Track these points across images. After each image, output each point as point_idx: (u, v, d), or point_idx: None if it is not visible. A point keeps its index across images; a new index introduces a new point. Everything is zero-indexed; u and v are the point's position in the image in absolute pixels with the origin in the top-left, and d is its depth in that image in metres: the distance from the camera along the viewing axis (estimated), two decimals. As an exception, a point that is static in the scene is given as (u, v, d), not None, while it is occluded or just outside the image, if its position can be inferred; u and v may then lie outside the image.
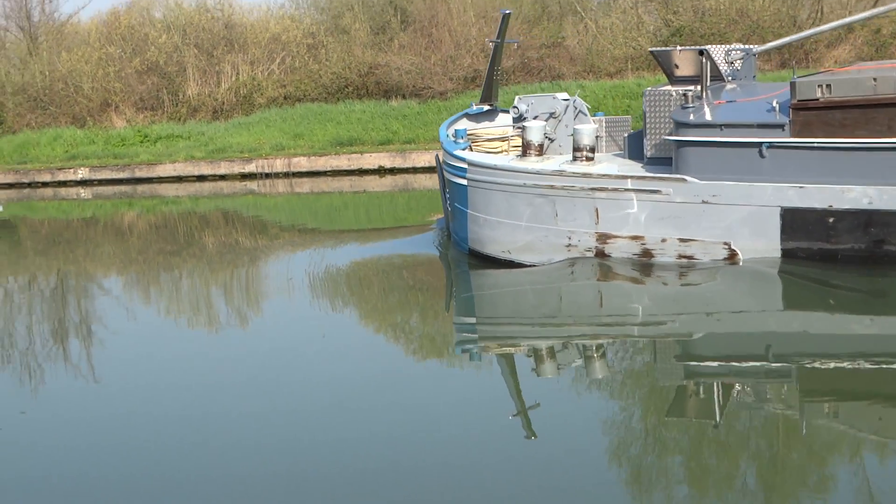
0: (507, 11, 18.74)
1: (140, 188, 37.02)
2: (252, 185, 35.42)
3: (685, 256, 13.99)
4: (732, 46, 15.54)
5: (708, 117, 13.84)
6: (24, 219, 31.76)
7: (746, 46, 15.60)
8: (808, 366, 9.78)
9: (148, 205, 32.70)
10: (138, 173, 38.54)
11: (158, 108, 46.08)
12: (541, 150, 15.63)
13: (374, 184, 33.29)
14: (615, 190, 14.26)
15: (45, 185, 39.79)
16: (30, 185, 40.17)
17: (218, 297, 15.84)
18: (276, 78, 45.09)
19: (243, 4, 51.90)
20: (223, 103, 45.06)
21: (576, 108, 16.48)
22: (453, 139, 17.55)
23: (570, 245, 14.81)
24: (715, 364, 10.29)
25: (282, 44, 46.38)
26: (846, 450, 7.47)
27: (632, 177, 14.24)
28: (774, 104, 13.40)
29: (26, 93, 48.05)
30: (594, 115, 17.60)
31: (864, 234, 12.78)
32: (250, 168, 37.03)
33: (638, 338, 11.65)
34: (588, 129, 14.97)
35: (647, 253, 14.22)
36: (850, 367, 9.60)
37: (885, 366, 9.50)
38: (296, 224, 25.51)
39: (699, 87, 14.64)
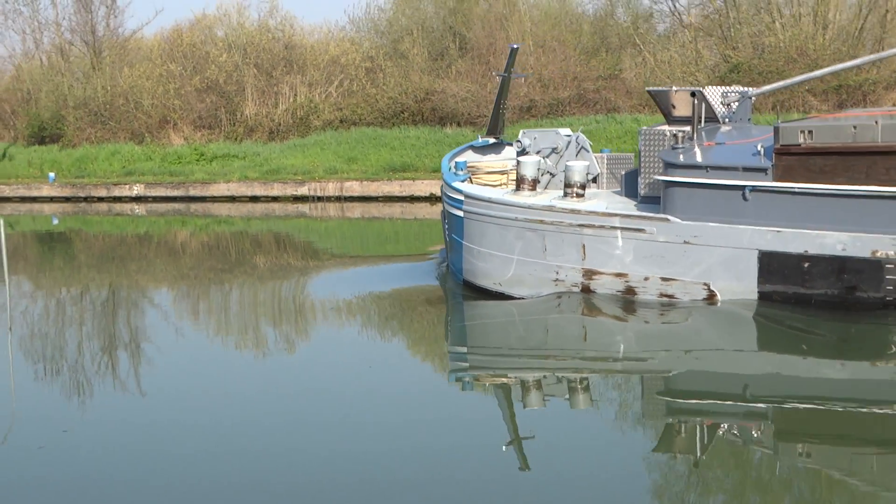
0: (516, 46, 18.86)
1: (193, 206, 37.31)
2: (304, 207, 35.57)
3: (666, 295, 14.15)
4: (729, 89, 15.67)
5: (695, 159, 14.02)
6: (79, 232, 32.09)
7: (743, 89, 15.74)
8: (782, 407, 10.01)
9: (201, 224, 32.91)
10: (192, 192, 38.88)
11: (216, 126, 46.44)
12: (534, 185, 15.80)
13: (424, 211, 33.26)
14: (602, 227, 14.45)
15: (100, 199, 40.25)
16: (86, 199, 40.64)
17: (263, 319, 15.87)
18: (332, 100, 45.33)
19: (304, 26, 52.21)
20: (280, 124, 45.35)
21: (578, 144, 16.72)
22: (454, 171, 17.75)
23: (557, 279, 15.03)
24: (695, 402, 10.50)
25: (340, 66, 46.62)
26: (819, 490, 7.75)
27: (618, 215, 14.40)
28: (760, 148, 13.54)
29: (87, 107, 48.65)
30: (601, 152, 17.83)
31: (837, 279, 12.94)
32: (303, 191, 37.22)
33: (620, 373, 11.82)
34: (579, 166, 15.11)
35: (630, 290, 14.40)
36: (821, 409, 9.90)
37: (854, 409, 9.74)
38: (343, 250, 25.55)
39: (687, 128, 14.84)
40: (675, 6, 45.29)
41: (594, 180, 16.81)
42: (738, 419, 9.63)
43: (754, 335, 13.08)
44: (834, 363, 11.63)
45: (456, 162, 17.97)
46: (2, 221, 16.72)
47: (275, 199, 37.43)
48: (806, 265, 13.07)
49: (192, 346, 14.28)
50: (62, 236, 31.38)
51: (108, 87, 48.94)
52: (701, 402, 10.44)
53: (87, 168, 43.69)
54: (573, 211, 14.71)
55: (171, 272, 21.80)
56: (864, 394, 10.33)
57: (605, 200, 15.34)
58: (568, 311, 14.30)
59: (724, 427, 9.38)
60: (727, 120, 15.44)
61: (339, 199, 36.52)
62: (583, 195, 15.06)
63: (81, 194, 41.17)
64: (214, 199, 38.21)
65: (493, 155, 18.27)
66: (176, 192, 39.13)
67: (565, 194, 15.20)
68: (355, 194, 36.54)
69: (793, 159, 13.15)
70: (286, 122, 45.32)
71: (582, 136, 16.89)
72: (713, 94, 15.37)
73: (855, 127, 12.84)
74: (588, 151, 16.81)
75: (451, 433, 9.44)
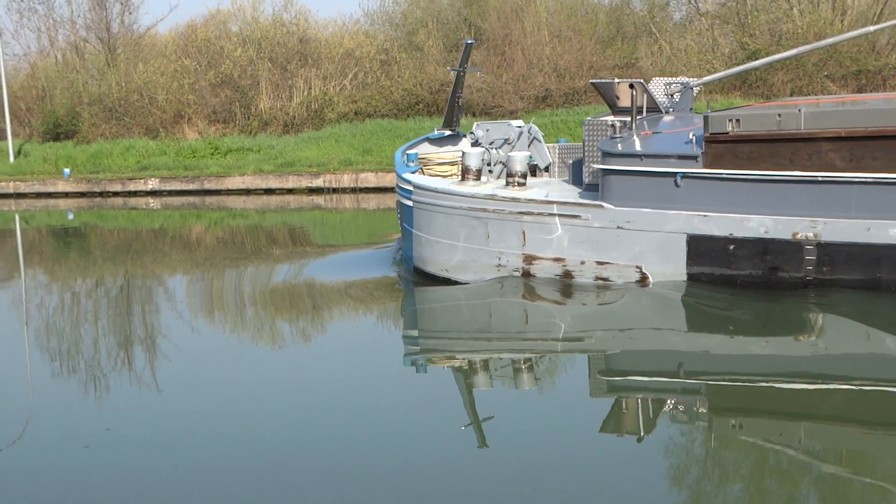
0: (470, 41, 19.59)
1: (208, 200, 37.22)
2: (319, 199, 35.43)
3: (601, 278, 14.83)
4: (672, 80, 16.36)
5: (632, 147, 14.58)
6: (95, 227, 32.02)
7: (685, 80, 16.36)
8: (714, 383, 10.56)
9: (215, 217, 32.80)
10: (207, 185, 38.75)
11: (230, 120, 46.36)
12: (478, 175, 16.37)
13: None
14: (540, 214, 15.07)
15: (115, 194, 40.15)
16: (101, 194, 40.54)
17: (275, 314, 15.78)
18: (347, 93, 45.16)
19: (319, 19, 52.16)
20: (294, 117, 45.22)
21: (530, 135, 17.45)
22: (406, 163, 18.30)
23: (499, 265, 15.66)
24: (633, 379, 11.03)
25: (355, 59, 46.46)
26: (752, 462, 8.19)
27: (556, 202, 14.98)
28: (692, 137, 14.14)
29: (102, 103, 48.61)
30: (557, 142, 18.59)
31: (760, 261, 13.67)
32: (318, 183, 37.05)
33: (561, 353, 12.37)
34: (520, 157, 15.76)
35: (567, 274, 15.09)
36: (749, 385, 10.42)
37: (778, 385, 10.27)
38: (332, 240, 25.44)
39: (623, 118, 15.64)
40: (691, -6, 45.02)
41: (546, 169, 17.75)
42: (675, 395, 10.12)
43: (684, 315, 13.59)
44: (759, 340, 12.11)
45: (407, 154, 18.47)
46: (17, 217, 16.84)
47: (290, 191, 37.28)
48: (731, 247, 13.78)
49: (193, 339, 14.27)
50: (77, 231, 31.28)
51: (123, 84, 48.90)
52: (639, 379, 10.95)
53: (102, 163, 43.58)
54: (513, 199, 15.28)
55: (185, 265, 21.64)
56: (788, 368, 10.82)
57: (547, 188, 15.88)
58: (510, 294, 14.87)
59: (662, 404, 9.84)
60: (671, 110, 16.15)
61: (354, 190, 36.35)
62: (524, 184, 15.67)
63: (96, 189, 41.06)
64: (229, 191, 38.09)
65: (449, 146, 18.73)
66: (191, 186, 39.01)
67: (507, 183, 15.82)
68: (371, 185, 36.34)
69: (721, 147, 13.75)
70: (301, 115, 45.17)
71: (534, 127, 17.61)
72: (657, 85, 16.19)
73: (779, 115, 13.47)
74: (540, 142, 17.56)
75: (403, 414, 9.83)
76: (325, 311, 15.91)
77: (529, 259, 15.36)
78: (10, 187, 43.92)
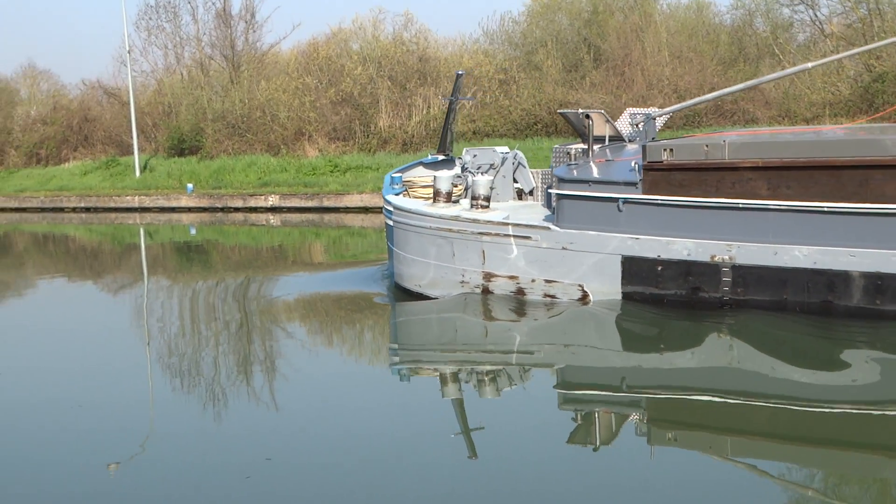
0: (461, 73, 21.01)
1: (327, 217, 37.62)
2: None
3: (549, 295, 15.90)
4: (636, 110, 17.43)
5: (582, 174, 15.61)
6: (216, 244, 32.56)
7: (648, 110, 17.05)
8: (651, 397, 11.30)
9: (334, 235, 33.11)
10: (326, 202, 39.23)
11: (350, 138, 46.81)
12: (448, 198, 17.44)
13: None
14: (498, 235, 16.17)
15: (236, 210, 40.86)
16: (222, 209, 41.32)
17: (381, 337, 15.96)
18: (466, 112, 45.25)
19: (438, 38, 52.21)
20: (413, 136, 45.48)
21: (516, 160, 18.73)
22: (393, 185, 19.52)
23: (463, 281, 16.80)
24: (581, 392, 11.85)
25: (474, 78, 46.55)
26: (688, 471, 8.82)
27: (511, 224, 16.06)
28: (634, 165, 15.10)
29: (225, 120, 49.55)
30: (548, 168, 19.41)
31: (684, 281, 14.68)
32: (435, 202, 37.15)
33: (516, 366, 13.23)
34: (483, 181, 16.85)
35: (520, 291, 16.19)
36: (679, 397, 11.25)
37: (701, 397, 11.10)
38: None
39: (597, 147, 16.71)
40: (816, 15, 44.20)
41: (531, 193, 18.95)
42: (621, 408, 10.96)
43: (620, 332, 14.56)
44: (685, 353, 13.11)
45: (392, 177, 19.73)
46: (142, 231, 17.19)
47: (407, 210, 37.48)
48: (659, 268, 14.84)
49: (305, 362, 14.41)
50: (199, 248, 31.86)
51: (246, 101, 49.78)
52: (587, 392, 11.80)
53: (224, 179, 44.45)
54: (474, 220, 16.42)
55: (305, 283, 21.84)
56: (712, 384, 11.59)
57: (506, 211, 16.97)
58: (471, 310, 16.00)
59: (610, 415, 10.65)
60: (636, 139, 16.91)
61: (471, 209, 36.38)
62: (487, 206, 16.82)
63: (218, 205, 41.89)
64: (348, 209, 38.47)
65: (445, 171, 19.17)
66: (310, 203, 39.53)
67: (471, 206, 16.92)
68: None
69: (657, 175, 14.76)
70: (419, 133, 45.41)
71: (519, 153, 18.95)
72: (625, 115, 17.49)
73: (707, 146, 14.47)
74: (524, 167, 18.84)
75: (377, 420, 10.62)
76: (315, 325, 17.16)
77: (488, 276, 16.48)
78: (136, 201, 45.05)
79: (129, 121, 51.96)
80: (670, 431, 10.06)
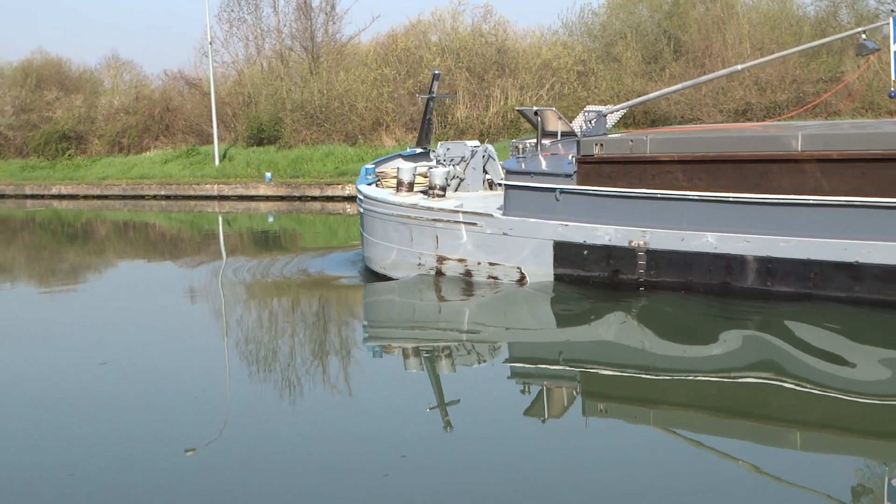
0: (437, 72, 22.97)
1: (403, 207, 37.60)
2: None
3: (492, 277, 17.27)
4: (589, 108, 18.54)
5: (528, 166, 16.98)
6: (292, 233, 32.75)
7: (599, 108, 18.27)
8: (584, 371, 12.23)
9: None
10: (403, 192, 39.22)
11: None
12: (410, 188, 18.92)
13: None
14: (449, 221, 17.59)
15: (313, 199, 41.08)
16: (300, 198, 41.58)
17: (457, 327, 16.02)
18: (543, 103, 45.04)
19: (517, 30, 52.07)
20: (490, 127, 45.40)
21: (486, 154, 20.16)
22: (367, 176, 21.31)
23: (420, 264, 18.26)
24: (526, 366, 12.74)
25: (552, 70, 46.38)
26: (621, 442, 9.40)
27: (461, 211, 17.46)
28: (571, 158, 16.45)
29: (304, 110, 49.88)
30: None
31: (606, 264, 15.98)
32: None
33: (467, 342, 14.28)
34: (440, 172, 18.35)
35: (468, 273, 17.58)
36: (606, 372, 12.13)
37: (623, 372, 11.97)
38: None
39: (549, 141, 18.29)
40: (903, 7, 43.33)
41: (500, 185, 19.45)
42: (560, 381, 11.84)
43: (554, 311, 15.71)
44: (609, 330, 14.09)
45: (366, 168, 21.61)
46: (220, 219, 17.51)
47: (483, 200, 37.46)
48: (585, 252, 16.14)
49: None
50: (276, 236, 32.07)
51: (325, 91, 50.05)
52: (531, 366, 12.67)
53: (302, 168, 44.75)
54: (429, 208, 17.85)
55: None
56: (630, 357, 12.64)
57: (460, 200, 18.25)
58: (426, 290, 17.40)
59: (552, 389, 11.48)
60: (588, 134, 17.64)
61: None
62: (443, 195, 18.20)
63: (295, 194, 42.18)
64: (424, 200, 38.45)
65: (424, 162, 20.93)
66: (386, 193, 39.58)
67: (428, 195, 18.34)
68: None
69: (589, 167, 16.10)
70: (496, 124, 45.32)
71: (490, 147, 20.47)
72: (582, 113, 18.70)
73: (631, 141, 15.83)
74: (494, 160, 20.25)
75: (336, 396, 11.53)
76: (292, 303, 18.64)
77: (441, 259, 17.93)
78: (215, 190, 45.55)
79: (210, 111, 52.53)
80: (601, 403, 10.98)
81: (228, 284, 20.46)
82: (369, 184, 20.59)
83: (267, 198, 43.46)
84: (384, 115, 47.47)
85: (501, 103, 45.88)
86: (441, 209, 17.65)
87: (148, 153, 57.87)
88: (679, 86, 19.68)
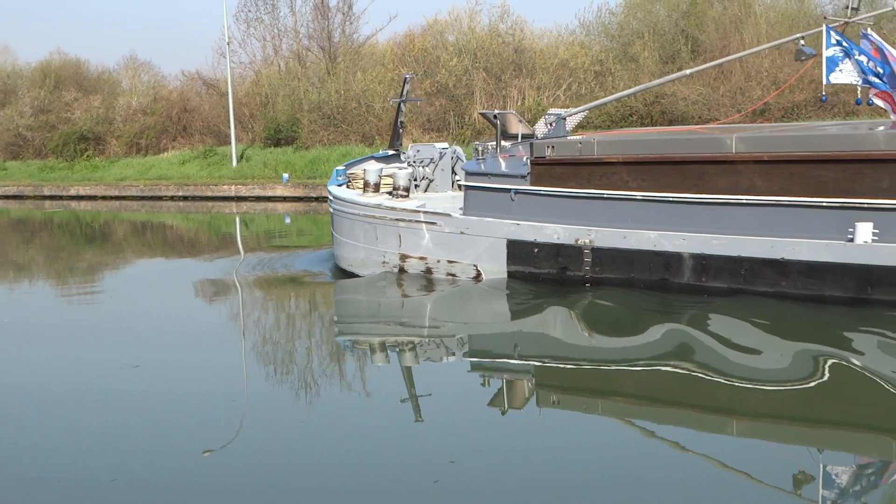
0: (408, 76, 23.79)
1: (420, 208, 37.60)
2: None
3: (451, 274, 18.00)
4: (550, 112, 18.84)
5: (486, 168, 17.68)
6: (309, 234, 32.76)
7: (559, 111, 18.79)
8: (537, 364, 12.79)
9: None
10: (419, 193, 39.22)
11: (444, 129, 46.82)
12: (376, 188, 19.69)
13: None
14: (411, 221, 18.29)
15: (331, 199, 40.98)
16: (317, 199, 41.61)
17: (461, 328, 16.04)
18: (560, 103, 44.98)
19: (534, 30, 52.03)
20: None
21: (454, 156, 20.95)
22: (338, 177, 21.97)
23: (384, 262, 19.04)
24: (486, 360, 13.40)
25: (569, 70, 46.31)
26: (573, 432, 9.95)
27: (422, 211, 18.15)
28: (526, 160, 17.11)
29: (321, 110, 49.93)
30: None
31: (555, 262, 16.66)
32: (528, 193, 37.00)
33: (427, 337, 14.96)
34: (403, 174, 19.12)
35: (428, 270, 18.33)
36: (558, 365, 12.62)
37: (572, 365, 12.61)
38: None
39: (510, 143, 18.87)
40: (922, 6, 43.08)
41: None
42: (516, 374, 12.44)
43: (507, 307, 16.42)
44: (557, 324, 14.91)
45: (337, 170, 22.15)
46: (237, 220, 17.72)
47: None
48: (535, 251, 16.83)
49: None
50: (291, 236, 32.08)
51: (342, 91, 50.09)
52: (489, 360, 13.37)
53: (319, 169, 44.77)
54: (392, 209, 18.59)
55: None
56: (578, 351, 13.40)
57: (422, 200, 18.97)
58: (390, 287, 18.25)
59: (510, 382, 12.05)
60: (549, 136, 18.27)
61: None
62: (406, 196, 18.98)
63: (313, 194, 42.20)
64: (441, 200, 38.46)
65: (396, 163, 21.53)
66: (403, 194, 39.57)
67: (392, 195, 19.15)
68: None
69: (542, 168, 16.80)
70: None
71: (458, 149, 21.34)
72: (545, 116, 19.09)
73: (580, 143, 16.47)
74: (462, 160, 20.98)
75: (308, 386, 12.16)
76: (263, 298, 19.43)
77: (404, 257, 18.64)
78: (232, 190, 45.64)
79: (227, 111, 52.62)
80: (553, 395, 11.51)
81: (236, 283, 20.83)
82: (340, 185, 21.36)
83: (284, 198, 43.51)
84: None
85: (519, 103, 45.83)
86: (403, 209, 18.38)
87: (165, 154, 58.00)
88: (631, 90, 21.41)
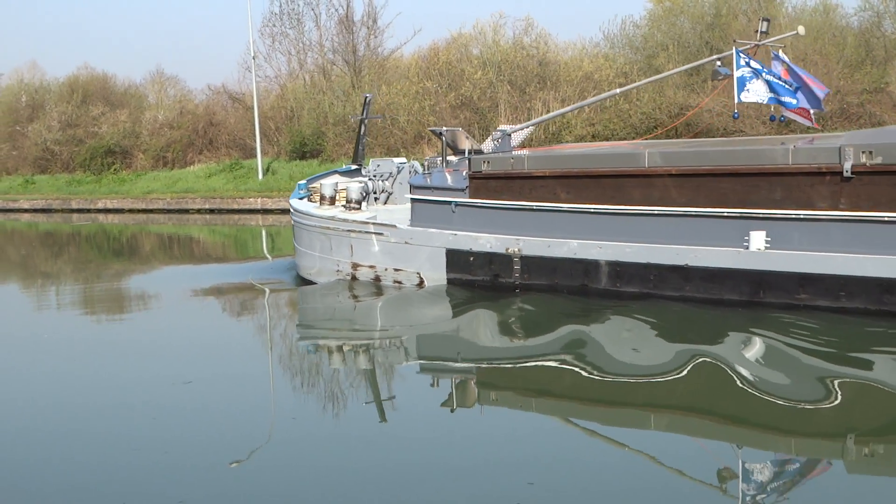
0: (368, 96, 25.00)
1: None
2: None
3: (397, 281, 19.10)
4: (502, 127, 20.09)
5: (431, 181, 18.80)
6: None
7: (504, 128, 19.91)
8: (478, 366, 13.53)
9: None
10: (444, 206, 39.26)
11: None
12: (332, 201, 20.63)
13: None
14: (361, 232, 19.38)
15: (356, 213, 41.10)
16: (343, 212, 41.59)
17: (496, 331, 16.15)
18: (585, 116, 44.99)
19: (558, 42, 52.06)
20: (531, 139, 45.25)
21: (412, 170, 21.43)
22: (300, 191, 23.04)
23: (338, 270, 20.16)
24: (430, 362, 14.39)
25: (593, 82, 46.28)
26: (512, 432, 10.45)
27: (371, 223, 19.25)
28: (465, 174, 18.20)
29: (346, 124, 50.09)
30: None
31: (488, 269, 17.77)
32: (553, 205, 37.00)
33: (379, 339, 16.09)
34: (355, 187, 20.29)
35: (377, 278, 19.44)
36: (496, 366, 13.51)
37: (508, 364, 13.53)
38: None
39: (457, 158, 19.35)
40: (948, 17, 42.96)
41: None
42: (461, 374, 13.18)
43: (451, 310, 17.50)
44: (494, 328, 15.88)
45: (299, 184, 23.24)
46: (263, 232, 18.12)
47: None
48: (471, 259, 17.92)
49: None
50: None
51: (367, 105, 50.12)
52: (435, 362, 14.35)
53: (345, 182, 44.82)
54: (345, 220, 19.69)
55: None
56: (514, 351, 14.36)
57: (372, 213, 19.98)
58: (343, 294, 19.28)
59: (456, 381, 12.82)
60: (496, 152, 19.22)
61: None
62: (358, 208, 20.01)
63: (339, 207, 42.24)
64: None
65: (359, 177, 22.51)
66: (428, 206, 39.63)
67: (345, 208, 20.13)
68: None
69: (479, 182, 17.99)
70: (538, 137, 45.19)
71: (416, 163, 22.06)
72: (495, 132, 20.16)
73: (512, 158, 17.67)
74: (419, 173, 21.63)
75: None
76: (227, 306, 20.66)
77: (355, 266, 19.74)
78: (258, 203, 45.89)
79: (253, 125, 52.93)
80: (493, 392, 12.28)
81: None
82: (301, 198, 22.41)
83: (310, 211, 43.60)
84: (426, 129, 47.54)
85: (543, 116, 45.80)
86: (354, 221, 19.52)
87: (192, 167, 58.36)
88: (573, 106, 23.78)
